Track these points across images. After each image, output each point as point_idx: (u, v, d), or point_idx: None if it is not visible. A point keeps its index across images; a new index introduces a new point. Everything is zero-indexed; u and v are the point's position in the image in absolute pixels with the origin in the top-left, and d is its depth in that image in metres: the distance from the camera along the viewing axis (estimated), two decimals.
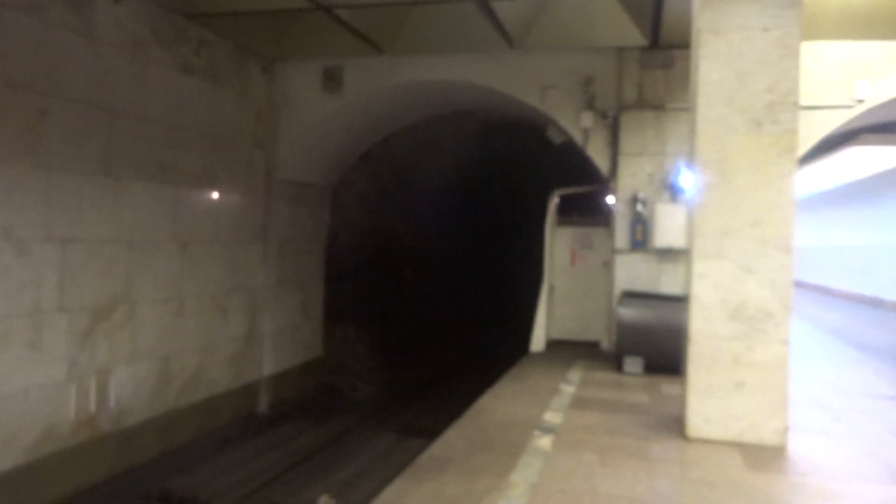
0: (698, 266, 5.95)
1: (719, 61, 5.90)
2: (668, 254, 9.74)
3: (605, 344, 10.64)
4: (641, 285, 9.80)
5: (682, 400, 6.24)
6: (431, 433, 7.55)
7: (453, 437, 6.12)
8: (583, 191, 11.71)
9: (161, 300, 8.50)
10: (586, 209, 12.24)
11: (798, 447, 5.77)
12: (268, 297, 10.85)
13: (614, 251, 10.14)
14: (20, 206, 6.52)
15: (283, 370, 11.30)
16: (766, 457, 5.53)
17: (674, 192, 9.74)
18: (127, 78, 7.82)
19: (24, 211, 6.57)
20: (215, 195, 9.56)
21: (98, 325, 7.52)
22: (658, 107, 9.82)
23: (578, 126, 10.11)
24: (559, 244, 11.50)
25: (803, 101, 6.76)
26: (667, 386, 8.05)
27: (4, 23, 6.30)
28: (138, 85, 8.00)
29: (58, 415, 7.04)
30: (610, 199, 10.62)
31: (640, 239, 9.86)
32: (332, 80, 10.65)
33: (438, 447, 5.85)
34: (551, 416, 6.74)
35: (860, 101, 9.20)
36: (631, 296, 9.33)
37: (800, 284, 23.86)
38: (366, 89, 10.65)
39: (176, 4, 8.37)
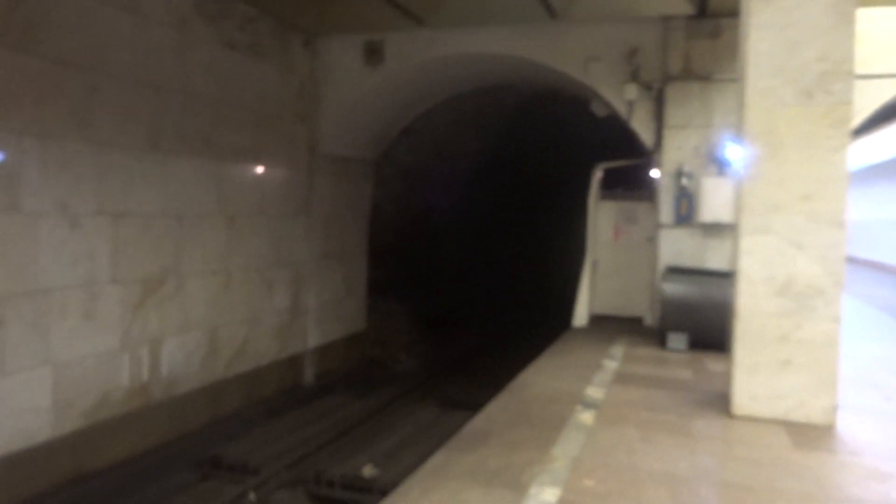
0: (746, 241, 5.84)
1: (769, 30, 5.72)
2: (715, 228, 9.56)
3: (649, 320, 10.55)
4: (686, 261, 9.66)
5: (727, 377, 6.18)
6: (473, 406, 7.62)
7: (495, 411, 6.17)
8: (626, 164, 11.53)
9: (209, 273, 8.70)
10: (630, 183, 12.07)
11: (847, 427, 5.66)
12: (312, 270, 11.01)
13: (658, 226, 10.00)
14: (74, 181, 6.72)
15: (328, 343, 11.49)
16: (813, 436, 5.44)
17: (720, 165, 9.53)
18: (173, 54, 7.94)
19: (78, 185, 6.76)
20: (259, 169, 9.69)
21: (149, 296, 7.74)
22: (705, 78, 9.58)
23: (622, 98, 9.93)
24: (602, 218, 11.39)
25: (859, 70, 6.52)
26: (711, 363, 7.96)
27: (55, 1, 6.43)
28: (184, 61, 8.12)
29: (112, 382, 7.30)
30: (654, 173, 10.44)
31: (685, 213, 9.69)
32: (373, 53, 10.64)
33: (480, 420, 5.90)
34: (593, 391, 6.73)
35: None
36: (675, 271, 9.21)
37: (853, 260, 23.21)
38: (407, 63, 10.62)
39: None
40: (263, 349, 9.92)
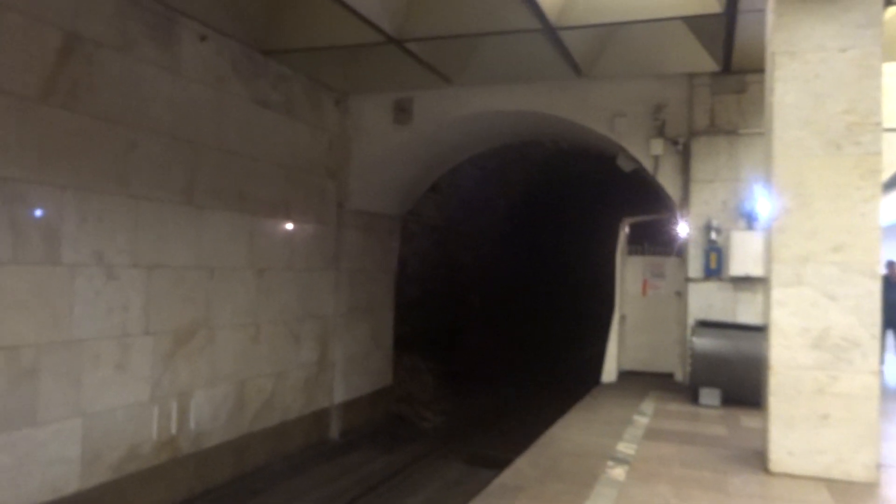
0: (777, 293, 5.77)
1: (795, 83, 5.78)
2: (745, 282, 9.47)
3: (679, 375, 10.37)
4: (716, 315, 9.54)
5: (762, 432, 6.02)
6: (501, 463, 7.47)
7: (524, 465, 6.06)
8: (653, 218, 11.54)
9: (238, 325, 8.77)
10: (657, 237, 12.04)
11: (892, 484, 5.46)
12: (339, 324, 11.04)
13: (687, 279, 9.92)
14: (111, 233, 6.89)
15: (354, 398, 11.43)
16: (856, 493, 5.26)
17: (749, 218, 9.50)
18: (209, 111, 8.21)
19: (114, 238, 6.93)
20: (290, 224, 9.86)
21: (180, 348, 7.81)
22: (731, 132, 9.64)
23: (648, 153, 10.02)
24: (630, 273, 11.33)
25: (887, 123, 6.53)
26: (746, 418, 7.77)
27: (100, 60, 6.73)
28: (220, 118, 8.39)
29: (141, 435, 7.31)
30: (681, 227, 10.42)
31: (715, 267, 9.63)
32: (402, 111, 10.89)
33: (509, 475, 5.80)
34: (624, 447, 6.59)
35: None
36: (706, 325, 9.09)
37: None
38: (435, 120, 10.85)
39: (255, 41, 8.77)
40: (290, 403, 9.90)
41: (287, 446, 9.77)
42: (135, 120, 7.15)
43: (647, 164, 10.09)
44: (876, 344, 5.53)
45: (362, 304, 11.69)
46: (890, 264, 11.25)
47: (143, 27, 7.23)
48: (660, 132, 9.93)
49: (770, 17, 6.03)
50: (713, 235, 9.59)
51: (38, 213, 6.19)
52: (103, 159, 6.80)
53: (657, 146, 9.92)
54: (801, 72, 5.77)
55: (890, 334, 11.41)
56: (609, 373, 10.45)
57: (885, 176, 8.68)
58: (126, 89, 7.04)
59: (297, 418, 10.04)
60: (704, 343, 8.63)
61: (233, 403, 8.70)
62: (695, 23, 8.67)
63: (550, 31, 8.03)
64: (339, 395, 11.04)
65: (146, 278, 7.33)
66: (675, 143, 9.86)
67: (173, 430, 7.73)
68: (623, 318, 11.11)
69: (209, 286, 8.25)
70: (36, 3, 6.13)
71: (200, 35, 7.99)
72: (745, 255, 9.29)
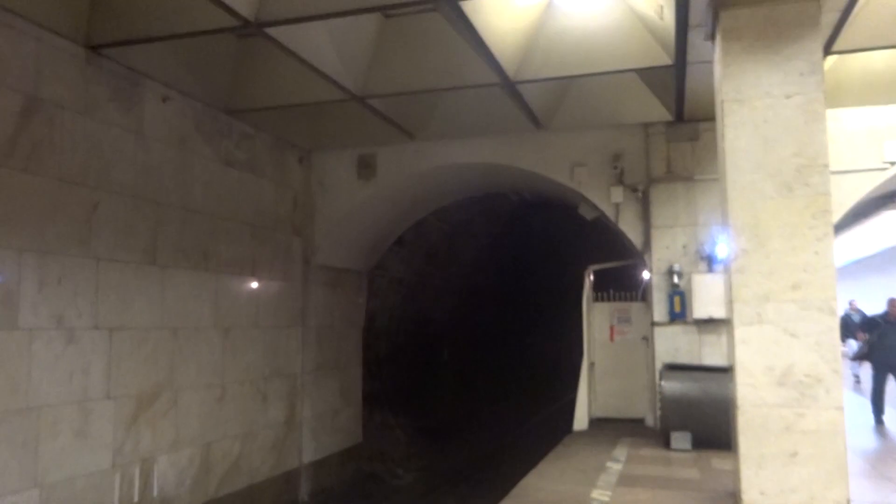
0: (740, 332, 5.86)
1: (745, 129, 5.99)
2: (709, 324, 9.61)
3: (650, 420, 10.38)
4: (682, 357, 9.63)
5: (734, 474, 6.03)
6: None
7: None
8: (617, 265, 11.71)
9: (203, 386, 8.59)
10: (622, 283, 12.20)
11: None
12: (307, 382, 10.88)
13: (653, 324, 10.03)
14: (71, 296, 6.76)
15: (323, 457, 11.19)
16: None
17: (710, 262, 9.70)
18: (173, 171, 8.20)
19: (75, 300, 6.80)
20: (255, 281, 9.78)
21: (142, 412, 7.60)
22: (687, 178, 9.92)
23: (609, 201, 10.23)
24: (597, 319, 11.42)
25: (834, 167, 6.78)
26: (717, 461, 7.79)
27: (62, 123, 6.71)
28: (183, 177, 8.38)
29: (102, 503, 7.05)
30: (645, 273, 10.59)
31: (679, 311, 9.76)
32: (366, 167, 11.00)
33: None
34: (599, 494, 6.55)
35: (892, 163, 9.20)
36: (674, 368, 9.16)
37: (844, 354, 23.05)
38: (399, 175, 10.97)
39: (218, 101, 8.84)
40: (258, 465, 9.64)
41: None
42: (97, 181, 7.10)
43: (609, 212, 10.29)
44: (838, 379, 5.62)
45: (330, 361, 11.55)
46: (891, 302, 10.61)
47: (105, 89, 7.25)
48: (619, 180, 10.17)
49: (717, 68, 6.29)
50: (675, 279, 9.76)
51: None
52: (64, 221, 6.72)
53: (617, 194, 10.15)
54: (750, 118, 5.99)
55: (891, 380, 10.58)
56: (580, 420, 10.41)
57: (836, 217, 8.99)
58: (88, 151, 7.02)
59: (265, 480, 9.77)
60: (673, 387, 8.68)
61: (198, 467, 8.45)
62: (647, 75, 9.02)
63: (509, 86, 8.26)
64: (309, 455, 10.80)
65: (107, 341, 7.17)
66: (635, 190, 10.10)
67: (136, 498, 7.45)
68: (592, 365, 11.15)
69: (173, 347, 8.10)
70: None
71: (163, 97, 8.04)
72: (707, 298, 9.45)
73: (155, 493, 7.73)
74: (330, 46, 7.73)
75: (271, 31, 6.91)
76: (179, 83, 8.23)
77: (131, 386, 7.46)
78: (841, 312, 16.73)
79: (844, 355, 17.32)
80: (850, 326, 16.35)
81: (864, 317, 16.45)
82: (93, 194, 7.05)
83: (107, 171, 7.23)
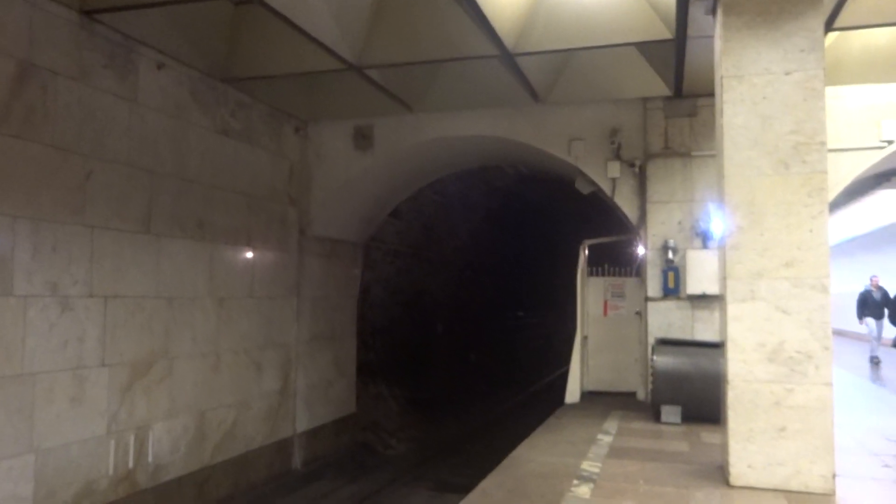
0: (732, 308, 5.91)
1: (744, 105, 5.98)
2: (702, 300, 9.66)
3: (642, 394, 10.48)
4: (675, 333, 9.70)
5: (723, 447, 6.12)
6: (468, 489, 7.41)
7: (490, 487, 6.05)
8: (612, 240, 11.72)
9: (198, 355, 8.63)
10: (617, 258, 12.23)
11: (847, 494, 5.59)
12: (301, 352, 10.93)
13: (646, 299, 10.08)
14: (66, 264, 6.75)
15: (317, 426, 11.29)
16: None
17: (705, 238, 9.72)
18: (168, 140, 8.15)
19: (70, 268, 6.80)
20: (250, 252, 9.78)
21: (137, 380, 7.65)
22: (684, 154, 9.89)
23: (606, 176, 10.22)
24: (591, 294, 11.47)
25: (831, 145, 6.79)
26: (707, 434, 7.88)
27: (55, 89, 6.65)
28: (178, 146, 8.33)
29: (97, 470, 7.11)
30: (640, 248, 10.61)
31: (673, 286, 9.80)
32: (363, 138, 10.95)
33: (475, 497, 5.78)
34: (589, 465, 6.63)
35: (889, 142, 9.19)
36: (666, 343, 9.21)
37: (841, 333, 23.25)
38: (396, 146, 10.92)
39: (214, 70, 8.76)
40: (252, 433, 9.73)
41: (249, 477, 9.59)
42: (91, 149, 7.06)
43: (605, 187, 10.28)
44: (828, 356, 5.68)
45: (325, 332, 11.59)
46: None
47: (99, 56, 7.18)
48: (616, 155, 10.14)
49: (718, 43, 6.25)
50: (670, 255, 9.78)
51: None
52: (58, 189, 6.69)
53: (614, 169, 10.13)
54: (749, 94, 5.97)
55: None
56: (572, 393, 10.50)
57: (832, 195, 9.00)
58: (82, 118, 6.96)
59: (259, 448, 9.87)
60: (665, 361, 8.74)
61: (193, 435, 8.52)
62: (647, 49, 8.95)
63: (508, 58, 8.19)
64: (302, 424, 10.90)
65: (102, 309, 7.18)
66: (632, 165, 10.08)
67: (131, 465, 7.53)
68: (585, 338, 11.22)
69: (168, 316, 8.12)
70: None
71: (158, 64, 7.95)
72: (701, 274, 9.49)
73: (150, 459, 7.81)
74: (327, 15, 7.64)
75: None
76: (175, 50, 8.14)
77: (126, 354, 7.49)
78: (861, 289, 16.49)
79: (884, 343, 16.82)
80: (869, 303, 16.06)
81: (885, 295, 16.16)
82: (87, 162, 7.01)
83: (101, 139, 7.18)
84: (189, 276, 8.49)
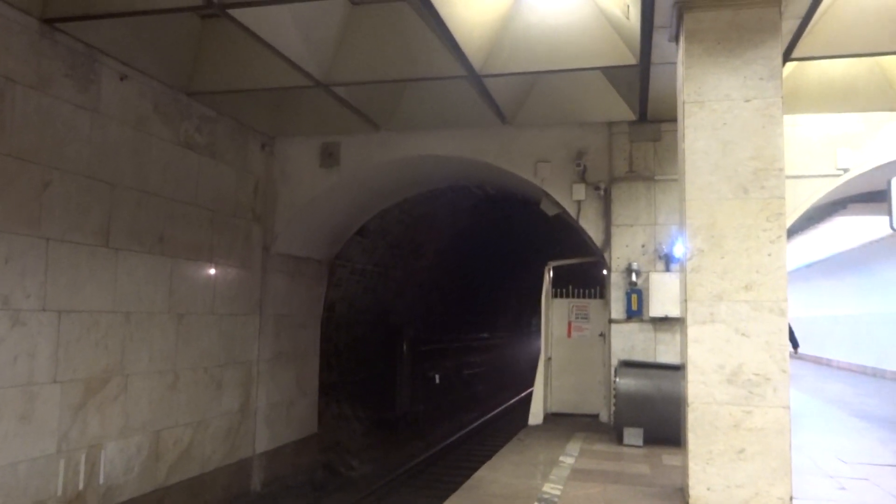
0: (693, 331, 5.96)
1: (705, 131, 6.09)
2: (664, 322, 9.75)
3: (605, 416, 10.50)
4: (638, 355, 9.77)
5: (683, 470, 6.14)
6: None
7: None
8: (577, 262, 11.80)
9: (155, 372, 8.43)
10: (582, 280, 12.31)
11: None
12: (263, 371, 10.76)
13: (610, 321, 10.14)
14: (19, 276, 6.56)
15: (278, 447, 11.08)
16: None
17: (668, 261, 9.84)
18: (129, 152, 8.01)
19: (23, 281, 6.60)
20: (212, 268, 9.62)
21: (91, 397, 7.43)
22: (648, 178, 10.03)
23: (571, 198, 10.30)
24: (555, 315, 11.51)
25: (789, 171, 6.93)
26: (668, 457, 7.91)
27: (12, 97, 6.50)
28: (140, 159, 8.19)
29: (46, 491, 6.87)
30: (604, 270, 10.69)
31: (636, 308, 9.88)
32: (329, 156, 10.89)
33: None
34: (551, 488, 6.60)
35: (845, 170, 9.44)
36: (629, 365, 9.27)
37: (798, 356, 23.69)
38: (362, 165, 10.88)
39: (179, 82, 8.66)
40: (210, 453, 9.51)
41: (206, 499, 9.35)
42: (49, 159, 6.90)
43: (571, 209, 10.36)
44: (786, 378, 5.75)
45: (288, 350, 11.43)
46: None
47: (60, 65, 7.05)
48: (582, 178, 10.24)
49: (680, 69, 6.37)
50: (634, 278, 9.87)
51: None
52: (13, 199, 6.52)
53: (579, 191, 10.22)
54: (710, 120, 6.08)
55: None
56: (536, 415, 10.49)
57: (790, 221, 9.19)
58: (40, 127, 6.81)
59: (216, 469, 9.64)
60: (627, 383, 8.78)
61: (147, 455, 8.30)
62: (612, 74, 9.09)
63: (475, 79, 8.24)
64: (262, 445, 10.69)
65: (56, 323, 6.99)
66: (597, 188, 10.18)
67: (81, 486, 7.29)
68: (549, 360, 11.23)
69: (125, 332, 7.93)
70: None
71: (121, 75, 7.84)
72: (664, 297, 9.59)
73: (101, 480, 7.58)
74: (295, 31, 7.62)
75: (235, 12, 6.79)
76: (139, 62, 8.03)
77: (80, 370, 7.29)
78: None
79: None
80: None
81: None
82: (44, 172, 6.85)
83: (60, 149, 7.03)
84: (148, 291, 8.32)
